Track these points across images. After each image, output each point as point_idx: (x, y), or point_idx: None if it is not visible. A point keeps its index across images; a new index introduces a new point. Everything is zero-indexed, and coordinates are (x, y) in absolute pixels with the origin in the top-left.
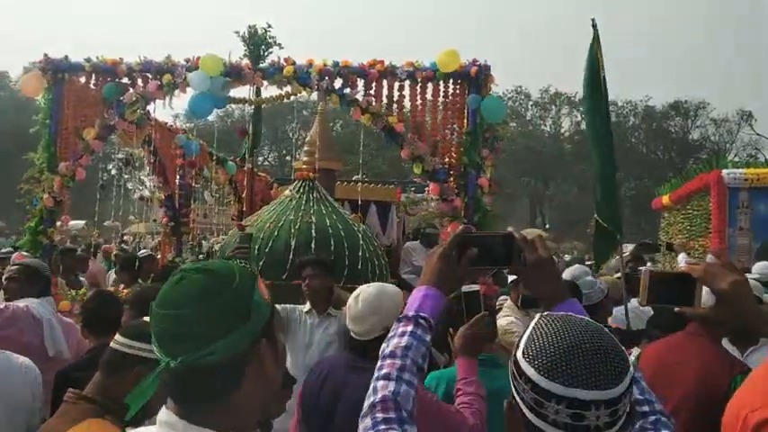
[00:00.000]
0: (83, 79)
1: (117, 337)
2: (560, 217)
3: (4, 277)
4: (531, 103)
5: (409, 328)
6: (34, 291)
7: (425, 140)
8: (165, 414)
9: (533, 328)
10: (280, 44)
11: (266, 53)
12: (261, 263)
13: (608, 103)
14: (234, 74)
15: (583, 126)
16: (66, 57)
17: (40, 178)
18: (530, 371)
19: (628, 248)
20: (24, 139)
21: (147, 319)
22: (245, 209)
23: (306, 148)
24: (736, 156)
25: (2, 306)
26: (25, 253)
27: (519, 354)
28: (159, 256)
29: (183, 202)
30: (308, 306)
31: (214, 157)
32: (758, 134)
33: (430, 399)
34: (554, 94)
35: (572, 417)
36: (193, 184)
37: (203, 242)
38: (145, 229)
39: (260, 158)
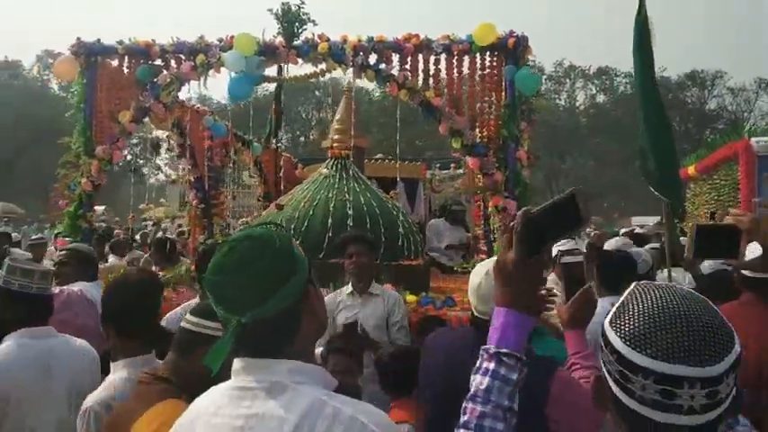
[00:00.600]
0: (115, 62)
1: (188, 317)
2: None
3: (54, 262)
4: (545, 77)
5: (491, 366)
6: (86, 274)
7: (463, 114)
8: (238, 362)
9: (627, 295)
10: (314, 21)
11: (300, 30)
12: (297, 242)
13: (654, 70)
14: (268, 52)
15: (598, 99)
16: (99, 40)
17: (77, 162)
18: (616, 341)
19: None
20: (38, 129)
21: None
22: (278, 188)
23: (336, 126)
24: (754, 125)
25: (56, 290)
26: (67, 238)
27: (607, 322)
28: (190, 238)
29: (212, 183)
30: (349, 288)
31: (239, 139)
32: None
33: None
34: (568, 67)
35: (661, 394)
36: (222, 166)
37: (231, 222)
38: (164, 213)
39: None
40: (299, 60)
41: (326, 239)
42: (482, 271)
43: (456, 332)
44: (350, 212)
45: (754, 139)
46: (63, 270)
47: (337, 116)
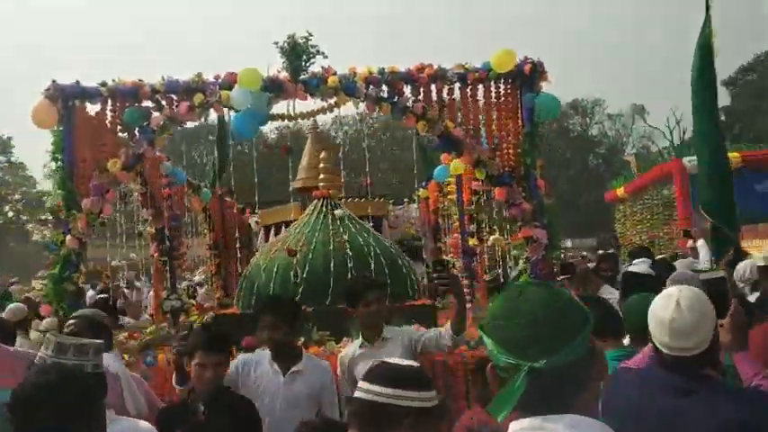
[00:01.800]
0: (98, 106)
1: (369, 386)
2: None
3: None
4: None
5: None
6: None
7: (480, 144)
8: (521, 423)
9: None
10: (323, 53)
11: (308, 64)
12: (300, 288)
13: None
14: (273, 88)
15: None
16: (78, 81)
17: (58, 218)
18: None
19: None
20: None
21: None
22: (226, 237)
23: (322, 166)
24: (633, 148)
25: None
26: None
27: None
28: (151, 294)
29: (174, 234)
30: (359, 340)
31: (190, 185)
32: (651, 126)
33: None
34: None
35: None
36: (182, 215)
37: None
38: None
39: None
40: (308, 96)
41: (331, 284)
42: (668, 303)
43: (640, 374)
44: (350, 254)
45: (686, 159)
46: None
47: (305, 156)
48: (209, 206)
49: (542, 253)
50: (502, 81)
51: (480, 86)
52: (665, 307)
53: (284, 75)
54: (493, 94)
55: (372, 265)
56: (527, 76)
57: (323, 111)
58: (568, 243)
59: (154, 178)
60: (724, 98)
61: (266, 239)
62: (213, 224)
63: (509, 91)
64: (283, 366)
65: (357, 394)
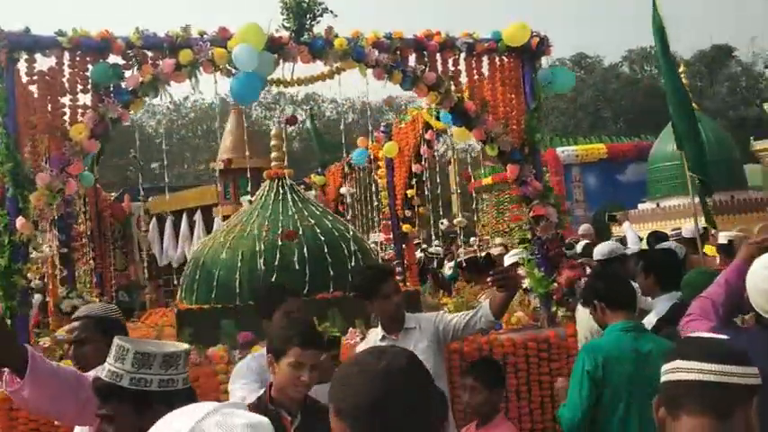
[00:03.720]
0: (51, 60)
1: (706, 366)
2: None
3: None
4: None
5: None
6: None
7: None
8: None
9: None
10: (332, 11)
11: (312, 24)
12: (273, 278)
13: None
14: (275, 48)
15: None
16: (28, 29)
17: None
18: None
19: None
20: None
21: None
22: (101, 225)
23: (273, 143)
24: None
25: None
26: None
27: None
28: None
29: (71, 222)
30: (379, 332)
31: None
32: None
33: None
34: None
35: None
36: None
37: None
38: None
39: None
40: (312, 59)
41: (307, 272)
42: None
43: (746, 337)
44: (322, 239)
45: (559, 149)
46: (82, 351)
47: (228, 135)
48: (87, 192)
49: (552, 233)
50: (505, 54)
51: (485, 59)
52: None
53: (286, 35)
54: (498, 67)
55: (346, 253)
56: (533, 51)
57: (322, 77)
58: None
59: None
60: None
61: (174, 228)
62: (89, 213)
63: (512, 65)
64: None
65: (703, 377)
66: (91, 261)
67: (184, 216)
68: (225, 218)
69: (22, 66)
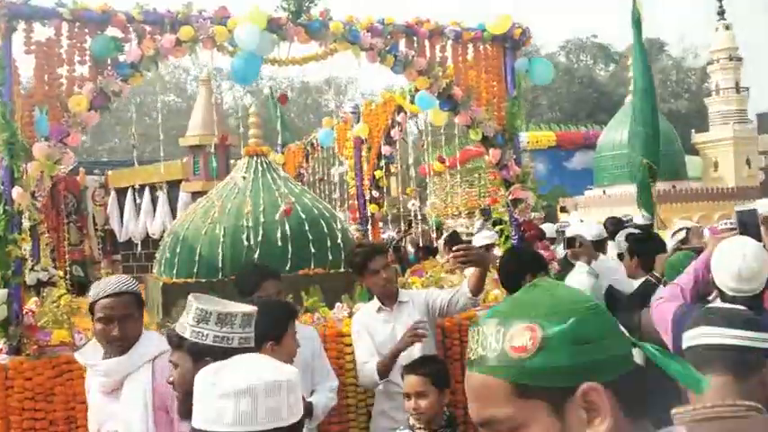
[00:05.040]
0: (50, 30)
1: (724, 330)
2: None
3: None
4: None
5: None
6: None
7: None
8: None
9: None
10: None
11: (309, 6)
12: (256, 254)
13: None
14: (274, 28)
15: None
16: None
17: None
18: None
19: None
20: None
21: None
22: (56, 200)
23: (252, 120)
24: None
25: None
26: None
27: None
28: None
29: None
30: (375, 303)
31: None
32: None
33: None
34: None
35: None
36: None
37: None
38: None
39: None
40: (309, 40)
41: (290, 249)
42: (737, 253)
43: (719, 311)
44: (303, 216)
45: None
46: (126, 326)
47: (198, 110)
48: None
49: (530, 215)
50: (489, 43)
51: (470, 47)
52: (735, 254)
53: (284, 15)
54: (482, 55)
55: (326, 230)
56: (515, 41)
57: (314, 58)
58: None
59: None
60: None
61: (136, 203)
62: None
63: (495, 53)
64: None
65: (727, 341)
66: (45, 235)
67: (147, 191)
68: (194, 194)
69: (19, 35)
